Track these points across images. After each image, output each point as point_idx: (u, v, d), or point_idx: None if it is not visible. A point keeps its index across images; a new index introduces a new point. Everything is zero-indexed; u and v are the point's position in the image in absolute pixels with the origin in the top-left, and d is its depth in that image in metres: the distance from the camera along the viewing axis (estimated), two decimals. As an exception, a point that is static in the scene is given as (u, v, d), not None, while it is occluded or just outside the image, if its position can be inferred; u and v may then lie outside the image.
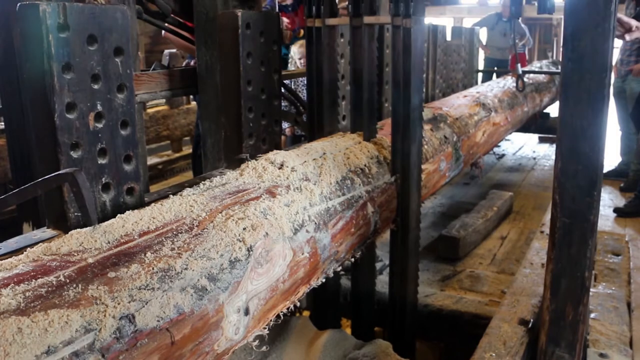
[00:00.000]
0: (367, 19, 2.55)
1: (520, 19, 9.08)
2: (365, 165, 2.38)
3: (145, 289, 1.27)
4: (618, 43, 5.40)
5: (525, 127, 6.47)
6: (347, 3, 2.64)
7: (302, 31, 5.33)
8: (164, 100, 7.24)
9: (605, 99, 1.81)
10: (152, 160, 7.10)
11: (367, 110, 2.68)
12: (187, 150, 7.52)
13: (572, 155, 1.88)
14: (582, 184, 1.87)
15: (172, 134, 7.47)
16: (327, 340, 2.86)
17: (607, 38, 1.76)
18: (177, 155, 7.63)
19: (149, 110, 7.07)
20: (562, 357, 2.06)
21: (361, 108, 2.70)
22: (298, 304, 1.93)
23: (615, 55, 5.64)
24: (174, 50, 5.70)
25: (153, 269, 1.32)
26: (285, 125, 4.76)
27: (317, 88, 2.73)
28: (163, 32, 4.24)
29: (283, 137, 4.87)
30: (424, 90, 4.29)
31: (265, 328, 1.71)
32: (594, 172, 1.87)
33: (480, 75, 6.84)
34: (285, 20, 5.07)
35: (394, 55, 2.51)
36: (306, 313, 3.19)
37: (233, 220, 1.59)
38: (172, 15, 2.87)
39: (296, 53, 5.16)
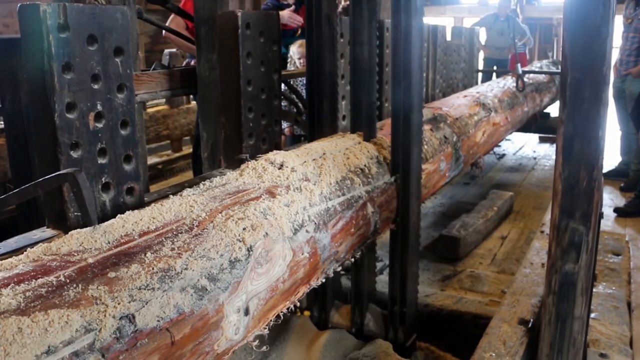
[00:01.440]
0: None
1: (519, 18, 9.09)
2: (365, 166, 2.38)
3: (145, 289, 1.27)
4: (617, 43, 5.41)
5: (526, 127, 6.46)
6: (347, 3, 2.64)
7: (299, 30, 5.32)
8: (163, 99, 7.23)
9: (605, 95, 1.81)
10: (151, 160, 7.09)
11: (367, 110, 2.68)
12: (187, 150, 7.50)
13: (572, 152, 1.86)
14: (582, 180, 1.84)
15: (172, 134, 7.45)
16: (327, 340, 2.86)
17: (606, 36, 1.76)
18: (177, 155, 7.61)
19: (149, 110, 7.05)
20: (576, 230, 1.92)
21: (361, 108, 2.70)
22: (298, 304, 1.93)
23: (615, 55, 5.64)
24: (174, 50, 5.70)
25: (153, 269, 1.32)
26: (284, 125, 4.76)
27: (317, 87, 2.73)
28: (163, 31, 4.24)
29: (282, 137, 4.87)
30: (424, 90, 4.29)
31: (265, 328, 1.71)
32: (594, 169, 1.84)
33: (480, 75, 6.84)
34: (285, 15, 5.04)
35: (394, 50, 2.51)
36: (306, 313, 3.19)
37: (233, 220, 1.59)
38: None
39: (295, 53, 5.15)
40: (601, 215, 2.00)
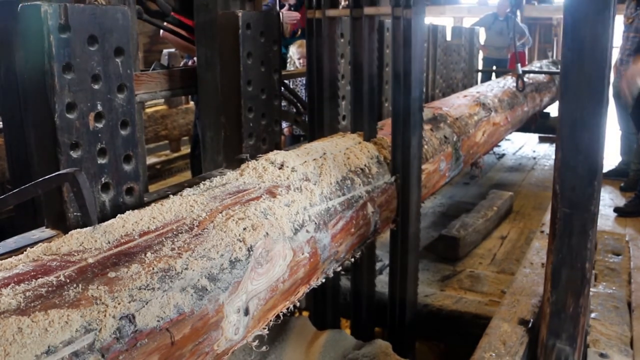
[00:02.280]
0: (368, 10, 2.54)
1: (519, 17, 9.09)
2: (365, 165, 2.38)
3: (145, 289, 1.27)
4: (617, 42, 5.40)
5: (526, 127, 6.46)
6: (347, 3, 2.64)
7: (300, 30, 5.32)
8: (162, 100, 7.23)
9: (605, 89, 1.81)
10: (150, 160, 7.08)
11: (367, 110, 2.68)
12: (186, 150, 7.50)
13: (572, 147, 1.88)
14: (582, 174, 1.87)
15: (170, 134, 7.46)
16: (327, 341, 2.85)
17: (606, 28, 1.76)
18: (175, 155, 7.61)
19: (148, 110, 7.05)
20: (563, 350, 2.05)
21: (361, 108, 2.70)
22: (298, 304, 1.93)
23: (615, 55, 5.64)
24: (173, 50, 5.70)
25: (153, 269, 1.32)
26: (283, 125, 4.76)
27: (317, 87, 2.73)
28: (161, 31, 4.24)
29: (282, 137, 4.87)
30: (424, 90, 4.29)
31: (265, 328, 1.71)
32: (595, 162, 1.87)
33: (479, 75, 6.83)
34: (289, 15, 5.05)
35: (394, 47, 2.51)
36: (305, 313, 3.19)
37: (233, 220, 1.59)
38: (172, 14, 2.87)
39: (295, 53, 5.15)
40: (587, 333, 2.21)
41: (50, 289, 1.14)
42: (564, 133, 1.89)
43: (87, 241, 1.35)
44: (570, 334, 2.03)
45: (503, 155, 7.52)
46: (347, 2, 4.58)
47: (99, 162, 1.68)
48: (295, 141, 4.89)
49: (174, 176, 7.25)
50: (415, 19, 2.40)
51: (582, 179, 1.88)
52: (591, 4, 1.76)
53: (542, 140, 8.33)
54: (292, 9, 5.38)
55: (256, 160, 2.01)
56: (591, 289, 2.04)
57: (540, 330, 2.11)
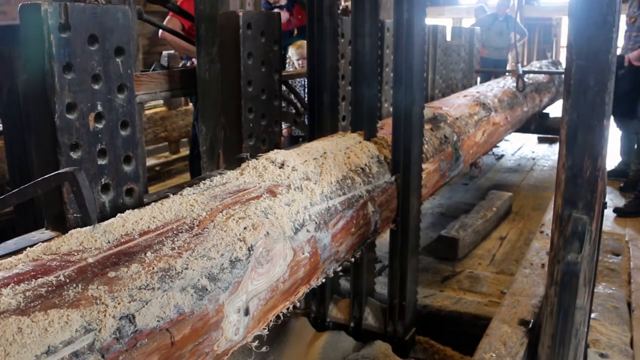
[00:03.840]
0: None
1: (518, 18, 9.11)
2: (365, 165, 2.38)
3: (145, 289, 1.26)
4: (619, 42, 5.40)
5: (525, 127, 6.47)
6: (349, 2, 2.64)
7: (295, 31, 5.32)
8: (162, 101, 7.23)
9: (609, 92, 1.80)
10: (149, 162, 7.06)
11: (367, 109, 2.68)
12: (185, 152, 7.49)
13: (575, 150, 1.85)
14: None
15: (169, 136, 7.45)
16: (326, 342, 2.86)
17: (611, 36, 1.75)
18: (174, 156, 7.60)
19: (147, 112, 7.04)
20: (580, 220, 1.89)
21: (362, 107, 2.70)
22: (298, 304, 1.93)
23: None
24: (172, 52, 5.70)
25: (153, 268, 1.31)
26: (282, 125, 4.75)
27: (317, 87, 2.73)
28: (160, 32, 4.24)
29: (281, 138, 4.87)
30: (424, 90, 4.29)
31: (265, 329, 1.70)
32: (604, 78, 1.80)
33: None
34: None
35: (395, 49, 2.51)
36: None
37: (234, 219, 1.59)
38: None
39: (294, 54, 5.15)
40: (604, 205, 1.97)
41: (50, 288, 1.14)
42: (568, 128, 1.86)
43: (87, 241, 1.34)
44: (588, 201, 1.88)
45: (502, 155, 7.53)
46: (347, 3, 4.59)
47: (99, 162, 1.68)
48: (294, 142, 4.89)
49: (173, 178, 7.25)
50: (416, 20, 2.41)
51: (585, 174, 1.84)
52: (596, 8, 1.75)
53: (541, 140, 8.34)
54: (285, 9, 5.38)
55: (256, 159, 2.01)
56: (608, 142, 1.90)
57: (555, 201, 1.96)
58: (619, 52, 5.69)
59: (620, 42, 5.29)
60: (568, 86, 1.85)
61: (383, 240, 2.87)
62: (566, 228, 1.93)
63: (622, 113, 5.51)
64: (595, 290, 3.08)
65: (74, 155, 1.61)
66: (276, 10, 5.08)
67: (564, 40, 16.72)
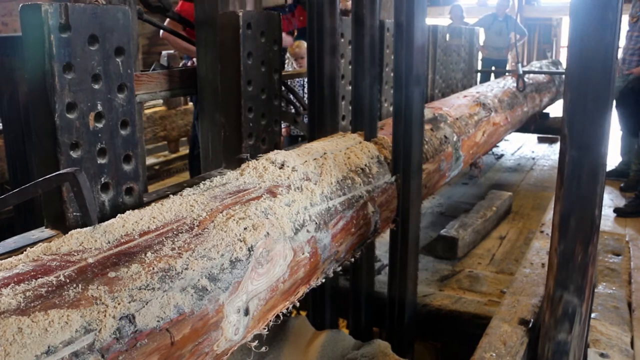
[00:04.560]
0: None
1: (518, 18, 9.11)
2: (365, 165, 2.38)
3: (145, 289, 1.26)
4: (621, 42, 5.40)
5: (525, 127, 6.47)
6: (349, 3, 2.64)
7: (295, 32, 5.33)
8: (161, 101, 7.23)
9: (610, 94, 1.80)
10: (149, 161, 7.07)
11: (368, 109, 2.68)
12: (184, 151, 7.50)
13: (576, 149, 1.86)
14: (591, 114, 1.82)
15: (169, 135, 7.46)
16: (325, 341, 2.85)
17: (612, 36, 1.75)
18: (174, 156, 7.61)
19: (147, 111, 7.05)
20: (570, 302, 1.97)
21: (362, 107, 2.70)
22: (297, 304, 1.93)
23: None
24: (172, 52, 5.71)
25: (153, 269, 1.31)
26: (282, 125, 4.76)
27: (317, 87, 2.73)
28: (161, 32, 4.24)
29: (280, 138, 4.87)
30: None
31: (264, 329, 1.70)
32: (606, 94, 1.82)
33: (478, 75, 6.84)
34: None
35: (396, 51, 2.50)
36: (303, 313, 3.19)
37: (234, 220, 1.59)
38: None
39: (292, 54, 5.17)
40: (594, 287, 2.12)
41: (50, 289, 1.14)
42: (561, 216, 1.90)
43: (87, 241, 1.34)
44: (579, 285, 1.95)
45: (502, 155, 7.53)
46: (347, 3, 4.59)
47: (98, 162, 1.68)
48: (293, 142, 4.90)
49: (172, 177, 7.25)
50: (417, 19, 2.41)
51: (591, 119, 1.84)
52: (597, 11, 1.75)
53: (540, 140, 8.35)
54: (287, 9, 5.39)
55: (256, 159, 2.01)
56: (599, 229, 1.98)
57: (547, 282, 2.04)
58: (619, 52, 5.70)
59: (621, 42, 5.29)
60: (569, 89, 1.86)
61: (383, 240, 2.87)
62: (557, 309, 2.01)
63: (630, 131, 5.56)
64: (595, 290, 3.10)
65: (74, 154, 1.61)
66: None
67: (564, 40, 16.76)
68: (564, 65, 1.91)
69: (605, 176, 1.91)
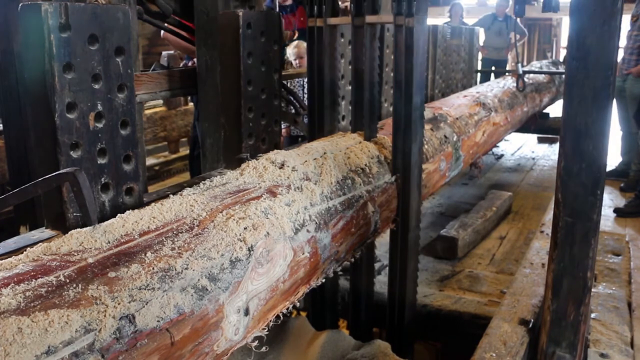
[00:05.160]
0: (369, 19, 2.55)
1: (518, 18, 9.11)
2: (365, 165, 2.38)
3: (145, 289, 1.26)
4: (621, 42, 5.39)
5: (525, 127, 6.47)
6: (349, 3, 2.64)
7: (296, 32, 5.33)
8: (161, 101, 7.23)
9: (609, 98, 1.81)
10: (149, 162, 7.06)
11: (367, 110, 2.68)
12: (184, 151, 7.50)
13: (575, 154, 1.87)
14: (585, 182, 1.87)
15: (169, 135, 7.46)
16: (325, 341, 2.85)
17: (612, 36, 1.75)
18: (174, 156, 7.61)
19: (147, 112, 7.04)
20: (563, 358, 2.05)
21: (362, 108, 2.70)
22: (298, 304, 1.93)
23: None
24: (172, 52, 5.72)
25: (153, 268, 1.31)
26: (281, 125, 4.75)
27: (317, 88, 2.73)
28: (162, 32, 4.23)
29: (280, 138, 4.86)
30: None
31: (264, 329, 1.70)
32: (598, 170, 1.86)
33: (478, 75, 6.84)
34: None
35: (396, 54, 2.51)
36: (303, 313, 3.19)
37: (234, 219, 1.58)
38: (172, 15, 2.87)
39: (291, 54, 5.16)
40: (588, 340, 2.23)
41: (50, 289, 1.14)
42: (567, 141, 1.89)
43: (87, 241, 1.34)
44: (571, 341, 2.03)
45: (502, 155, 7.53)
46: (347, 3, 4.59)
47: (98, 162, 1.68)
48: (292, 142, 4.89)
49: (172, 177, 7.25)
50: (417, 27, 2.41)
51: (585, 187, 1.88)
52: (597, 13, 1.75)
53: (540, 140, 8.34)
54: (289, 10, 5.39)
55: (256, 159, 2.01)
56: (591, 289, 2.04)
57: (540, 337, 2.11)
58: (620, 52, 5.69)
59: (621, 41, 5.28)
60: (569, 92, 1.86)
61: (383, 240, 2.87)
62: None
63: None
64: (595, 290, 3.10)
65: (74, 154, 1.61)
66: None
67: (564, 41, 16.74)
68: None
69: (605, 177, 1.92)
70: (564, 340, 2.04)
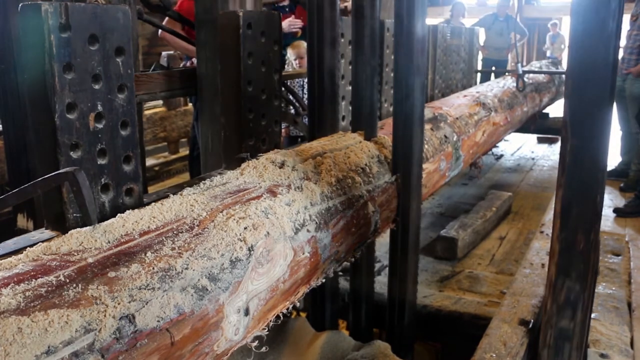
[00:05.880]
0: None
1: (518, 18, 9.11)
2: (366, 165, 2.38)
3: (145, 289, 1.26)
4: (621, 42, 5.39)
5: (525, 127, 6.47)
6: (349, 3, 2.64)
7: (300, 32, 5.32)
8: (161, 102, 7.23)
9: (610, 97, 1.80)
10: (148, 162, 7.06)
11: (368, 109, 2.68)
12: (184, 152, 7.50)
13: (577, 150, 1.86)
14: (592, 114, 1.82)
15: (169, 136, 7.46)
16: (325, 342, 2.85)
17: (613, 36, 1.75)
18: (173, 157, 7.61)
19: (146, 112, 7.04)
20: (572, 289, 1.97)
21: (362, 107, 2.70)
22: (298, 304, 1.93)
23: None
24: (172, 52, 5.71)
25: (153, 268, 1.31)
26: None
27: (317, 87, 2.73)
28: (160, 32, 4.24)
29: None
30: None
31: (264, 329, 1.70)
32: (606, 79, 1.81)
33: (478, 75, 6.84)
34: (285, 25, 5.06)
35: (396, 51, 2.50)
36: (303, 314, 3.19)
37: (234, 219, 1.58)
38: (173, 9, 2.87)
39: (291, 54, 5.17)
40: (597, 274, 2.07)
41: (50, 288, 1.14)
42: (562, 205, 1.90)
43: (87, 241, 1.34)
44: (581, 271, 1.95)
45: (501, 155, 7.53)
46: (347, 3, 4.60)
47: (98, 162, 1.68)
48: (292, 142, 4.89)
49: (172, 178, 7.25)
50: (417, 24, 2.41)
51: (592, 115, 1.84)
52: (598, 13, 1.74)
53: (540, 140, 8.34)
54: (287, 9, 5.39)
55: (256, 159, 2.01)
56: (601, 217, 1.97)
57: (549, 269, 2.04)
58: (620, 52, 5.69)
59: (621, 41, 5.28)
60: (570, 90, 1.86)
61: (383, 240, 2.87)
62: (559, 296, 2.00)
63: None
64: (595, 290, 3.09)
65: (74, 155, 1.60)
66: (285, 19, 5.09)
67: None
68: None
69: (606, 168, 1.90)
70: (573, 270, 1.96)
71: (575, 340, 2.02)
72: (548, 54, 16.09)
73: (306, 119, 3.01)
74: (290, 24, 5.06)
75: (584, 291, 1.97)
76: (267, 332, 1.72)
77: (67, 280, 1.17)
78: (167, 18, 4.37)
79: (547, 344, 2.05)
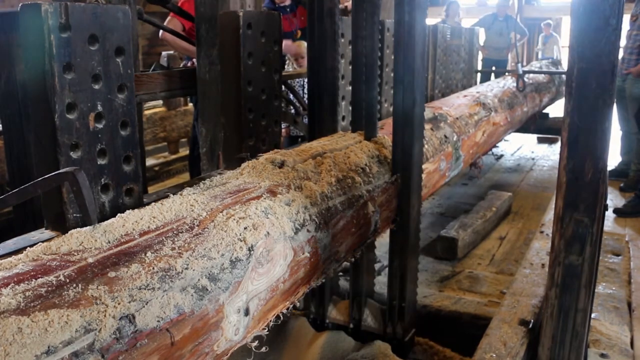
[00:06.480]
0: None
1: (518, 18, 9.12)
2: (365, 165, 2.38)
3: (145, 289, 1.26)
4: (621, 42, 5.39)
5: (525, 127, 6.47)
6: (349, 3, 2.64)
7: (299, 32, 5.32)
8: (161, 102, 7.22)
9: (610, 97, 1.80)
10: (148, 162, 7.04)
11: (367, 109, 2.68)
12: (184, 152, 7.49)
13: (578, 152, 1.85)
14: (593, 113, 1.79)
15: (169, 136, 7.45)
16: (325, 342, 2.85)
17: (613, 36, 1.75)
18: (173, 157, 7.59)
19: (146, 112, 7.02)
20: (581, 222, 1.89)
21: (362, 107, 2.70)
22: (298, 304, 1.93)
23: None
24: (172, 52, 5.71)
25: (153, 268, 1.31)
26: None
27: (317, 87, 2.73)
28: (160, 32, 4.24)
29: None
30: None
31: (264, 329, 1.70)
32: (606, 79, 1.79)
33: (478, 75, 6.84)
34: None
35: (396, 51, 2.50)
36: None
37: (234, 219, 1.58)
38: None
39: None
40: (606, 207, 1.96)
41: (50, 288, 1.14)
42: (569, 131, 1.86)
43: (87, 241, 1.34)
44: (589, 203, 1.87)
45: (501, 156, 7.53)
46: (347, 3, 4.59)
47: (98, 162, 1.68)
48: (292, 142, 4.89)
49: (172, 178, 7.24)
50: (418, 18, 2.41)
51: (587, 177, 1.83)
52: (598, 13, 1.74)
53: (540, 141, 8.34)
54: (288, 9, 5.38)
55: (256, 159, 2.01)
56: (609, 146, 1.90)
57: (556, 204, 1.95)
58: (620, 52, 5.69)
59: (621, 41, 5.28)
60: (570, 88, 1.85)
61: (383, 240, 2.87)
62: (567, 230, 1.92)
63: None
64: (595, 290, 3.09)
65: (74, 155, 1.60)
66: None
67: (564, 40, 16.76)
68: (565, 65, 1.91)
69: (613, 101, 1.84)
70: (581, 202, 1.88)
71: (584, 278, 1.94)
72: (540, 55, 16.08)
73: (306, 119, 3.00)
74: (286, 48, 5.01)
75: (592, 224, 1.89)
76: (267, 332, 1.72)
77: (67, 280, 1.17)
78: (167, 19, 4.38)
79: (555, 282, 1.98)
